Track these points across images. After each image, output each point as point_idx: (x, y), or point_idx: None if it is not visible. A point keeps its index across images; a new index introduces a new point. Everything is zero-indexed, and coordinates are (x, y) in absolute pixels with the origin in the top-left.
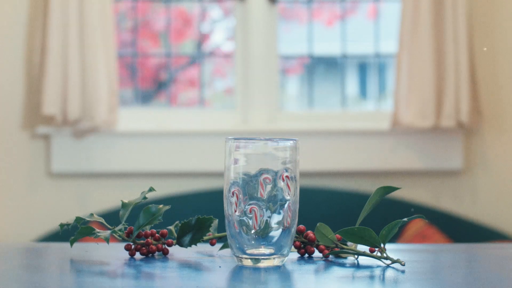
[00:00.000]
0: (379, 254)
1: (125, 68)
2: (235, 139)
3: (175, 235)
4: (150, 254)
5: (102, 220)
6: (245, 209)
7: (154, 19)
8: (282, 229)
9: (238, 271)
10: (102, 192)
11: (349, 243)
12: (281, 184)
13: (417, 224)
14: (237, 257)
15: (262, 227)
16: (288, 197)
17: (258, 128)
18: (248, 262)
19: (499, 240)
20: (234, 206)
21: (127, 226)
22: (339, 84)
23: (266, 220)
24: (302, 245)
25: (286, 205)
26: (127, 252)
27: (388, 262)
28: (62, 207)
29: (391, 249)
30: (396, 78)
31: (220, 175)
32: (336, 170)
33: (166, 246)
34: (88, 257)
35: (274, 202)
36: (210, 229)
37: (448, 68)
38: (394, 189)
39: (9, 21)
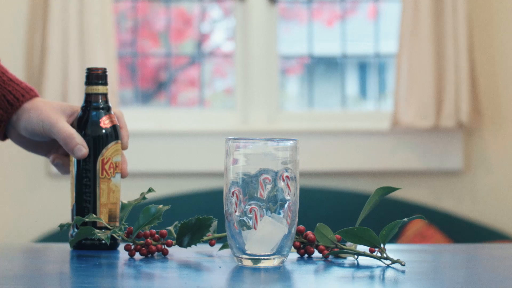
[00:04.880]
0: (379, 254)
1: (125, 68)
2: (235, 139)
3: (175, 235)
4: (150, 255)
5: (102, 220)
6: (245, 209)
7: (154, 19)
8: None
9: (238, 271)
10: None
11: (348, 243)
12: (281, 184)
13: (417, 224)
14: (237, 257)
15: None
16: (288, 197)
17: (258, 128)
18: (248, 262)
19: (499, 240)
20: (234, 206)
21: (126, 226)
22: (339, 84)
23: None
24: (301, 246)
25: (286, 205)
26: (126, 253)
27: (388, 262)
28: (62, 207)
29: (391, 249)
30: (396, 78)
31: (220, 175)
32: (336, 170)
33: (166, 247)
34: (88, 257)
35: (274, 202)
36: (210, 229)
37: (448, 68)
38: (394, 189)
39: (9, 21)
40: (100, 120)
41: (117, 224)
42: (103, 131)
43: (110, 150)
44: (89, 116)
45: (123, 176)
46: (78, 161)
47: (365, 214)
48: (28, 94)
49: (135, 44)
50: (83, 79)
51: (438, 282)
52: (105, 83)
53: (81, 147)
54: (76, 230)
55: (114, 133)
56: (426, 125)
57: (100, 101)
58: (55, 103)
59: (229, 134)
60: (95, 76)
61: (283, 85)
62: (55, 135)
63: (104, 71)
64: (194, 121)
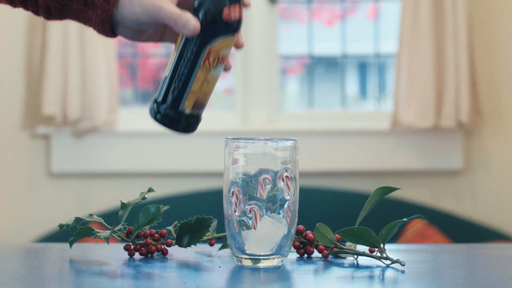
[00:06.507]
0: (378, 254)
1: (125, 68)
2: (235, 139)
3: (174, 235)
4: (149, 254)
5: (102, 220)
6: (244, 209)
7: None
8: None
9: (237, 271)
10: (102, 192)
11: (348, 243)
12: (281, 184)
13: (417, 224)
14: (237, 257)
15: None
16: (287, 197)
17: (258, 128)
18: (247, 262)
19: (499, 240)
20: (233, 206)
21: (126, 226)
22: (339, 84)
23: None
24: (301, 245)
25: (285, 205)
26: (126, 253)
27: (388, 262)
28: (62, 207)
29: (390, 249)
30: (396, 78)
31: (220, 175)
32: (336, 170)
33: (165, 246)
34: (88, 257)
35: (274, 202)
36: (210, 229)
37: (448, 68)
38: (393, 189)
39: (9, 21)
40: (225, 9)
41: (202, 112)
42: (224, 22)
43: (222, 44)
44: (214, 1)
45: (226, 69)
46: (187, 38)
47: (365, 214)
48: None
49: (135, 44)
50: (84, 79)
51: (438, 282)
52: None
53: (190, 20)
54: (158, 104)
55: (235, 27)
56: (426, 125)
57: None
58: None
59: (229, 134)
60: None
61: (283, 85)
62: (163, 20)
63: None
64: None
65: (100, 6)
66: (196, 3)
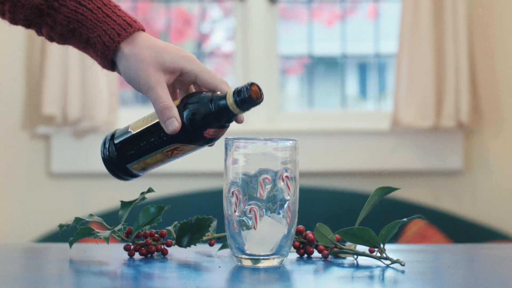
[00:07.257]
0: (378, 254)
1: None
2: (235, 139)
3: (174, 235)
4: (149, 255)
5: (102, 220)
6: (244, 209)
7: (154, 19)
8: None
9: (237, 271)
10: (102, 192)
11: (348, 243)
12: (281, 184)
13: (417, 224)
14: (237, 257)
15: None
16: (287, 197)
17: (258, 128)
18: (247, 262)
19: (499, 240)
20: (233, 206)
21: (126, 226)
22: (339, 84)
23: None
24: (301, 245)
25: (285, 205)
26: (126, 253)
27: (388, 262)
28: (62, 207)
29: (390, 249)
30: (396, 78)
31: (220, 175)
32: (336, 170)
33: (165, 247)
34: (88, 257)
35: (274, 202)
36: (210, 229)
37: (448, 68)
38: (393, 189)
39: None
40: (208, 130)
41: (141, 174)
42: (203, 137)
43: (191, 148)
44: (205, 116)
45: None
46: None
47: (365, 214)
48: (125, 31)
49: None
50: (84, 79)
51: (438, 282)
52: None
53: (175, 120)
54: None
55: (207, 142)
56: (426, 125)
57: (228, 118)
58: (156, 53)
59: (229, 134)
60: (252, 105)
61: (283, 85)
62: (151, 100)
63: (262, 101)
64: None
65: (100, 49)
66: (188, 99)
